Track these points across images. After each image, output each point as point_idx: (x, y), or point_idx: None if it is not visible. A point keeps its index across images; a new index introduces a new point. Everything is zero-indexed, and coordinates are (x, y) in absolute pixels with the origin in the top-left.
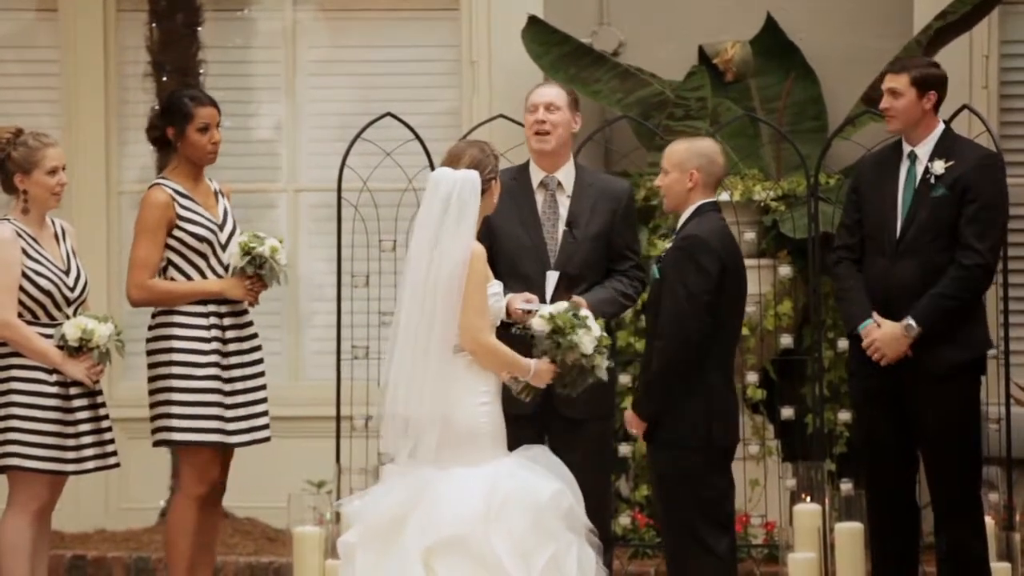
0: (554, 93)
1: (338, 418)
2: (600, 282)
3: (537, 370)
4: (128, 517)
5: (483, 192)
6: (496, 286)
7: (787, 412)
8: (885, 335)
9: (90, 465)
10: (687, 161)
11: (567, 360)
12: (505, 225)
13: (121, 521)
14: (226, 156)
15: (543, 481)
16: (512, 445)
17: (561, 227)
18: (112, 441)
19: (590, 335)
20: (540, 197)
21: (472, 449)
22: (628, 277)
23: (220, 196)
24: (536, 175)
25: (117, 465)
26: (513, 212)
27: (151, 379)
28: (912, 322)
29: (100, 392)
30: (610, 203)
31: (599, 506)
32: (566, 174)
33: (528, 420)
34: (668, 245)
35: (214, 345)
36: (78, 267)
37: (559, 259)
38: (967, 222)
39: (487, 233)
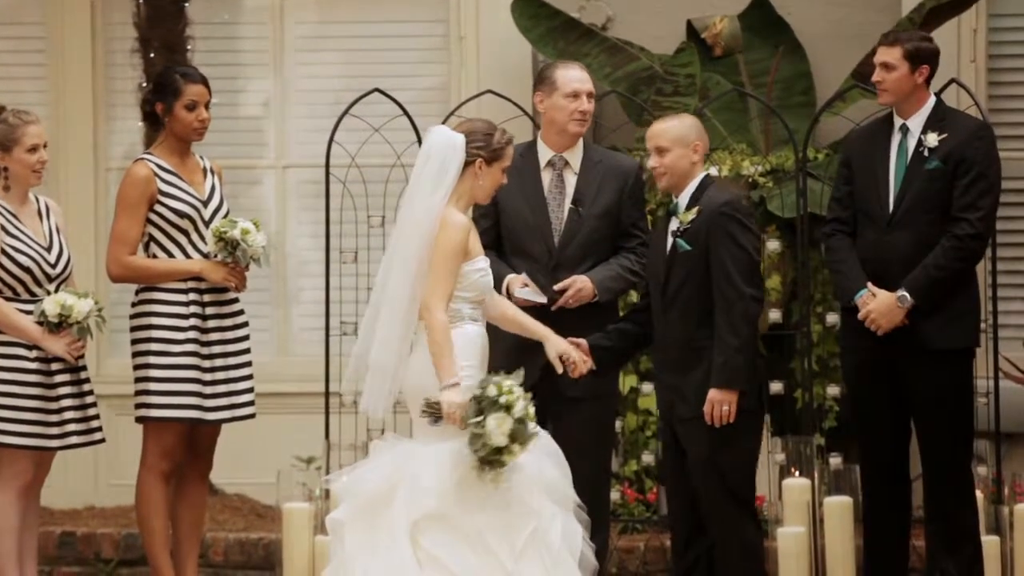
0: (590, 80)
1: (327, 394)
2: (606, 259)
3: (451, 401)
4: (117, 493)
5: (467, 164)
6: (481, 261)
7: (776, 387)
8: (880, 305)
9: (73, 440)
10: (687, 135)
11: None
12: (511, 203)
13: (110, 497)
14: (214, 132)
15: (525, 455)
16: None
17: (567, 205)
18: (97, 417)
19: (503, 425)
20: (547, 176)
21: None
22: (635, 254)
23: (210, 173)
24: (544, 154)
25: (102, 440)
26: (519, 190)
27: (132, 355)
28: (905, 293)
29: (83, 368)
30: (617, 181)
31: (598, 484)
32: (575, 153)
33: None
34: (689, 218)
35: (192, 322)
36: (61, 244)
37: (563, 237)
38: (960, 193)
39: (494, 211)
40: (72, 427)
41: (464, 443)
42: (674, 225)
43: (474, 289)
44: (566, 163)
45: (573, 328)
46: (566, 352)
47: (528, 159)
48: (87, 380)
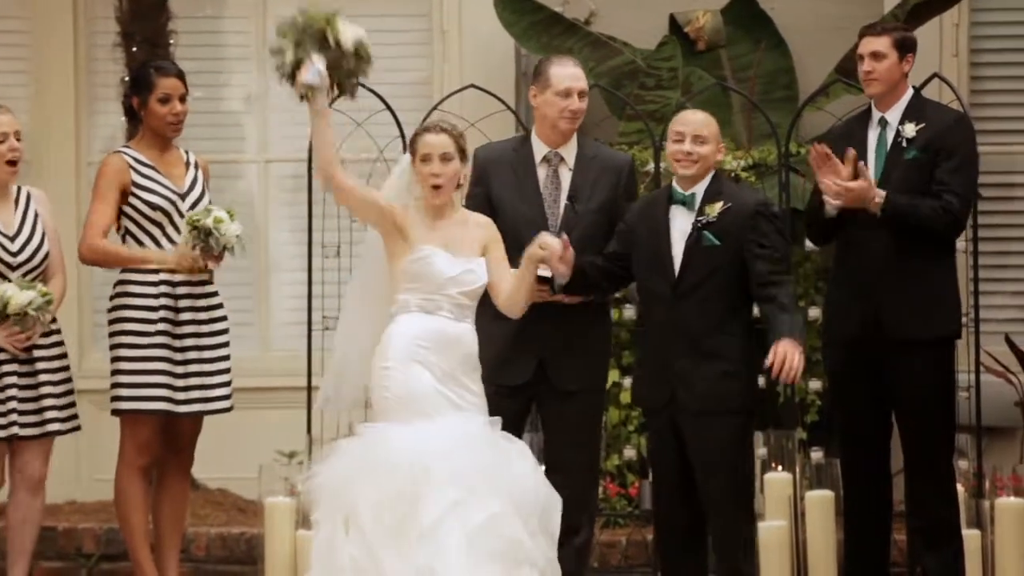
0: (583, 78)
1: (309, 388)
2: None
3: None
4: (99, 488)
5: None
6: (425, 251)
7: (758, 381)
8: (857, 183)
9: (16, 430)
10: (718, 134)
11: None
12: (506, 198)
13: (92, 492)
14: (196, 127)
15: (431, 444)
16: (503, 415)
17: (563, 200)
18: (53, 408)
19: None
20: (543, 171)
21: (381, 415)
22: None
23: (192, 167)
24: (539, 149)
25: (59, 432)
26: (515, 185)
27: (109, 348)
28: (884, 194)
29: (46, 359)
30: (612, 176)
31: (586, 480)
32: (569, 149)
33: (519, 391)
34: (716, 211)
35: (162, 314)
36: (33, 233)
37: (559, 233)
38: (945, 174)
39: (487, 206)
40: (15, 417)
41: None
42: (687, 217)
43: (419, 279)
44: (561, 159)
45: (568, 319)
46: (542, 240)
47: (523, 154)
48: (51, 371)
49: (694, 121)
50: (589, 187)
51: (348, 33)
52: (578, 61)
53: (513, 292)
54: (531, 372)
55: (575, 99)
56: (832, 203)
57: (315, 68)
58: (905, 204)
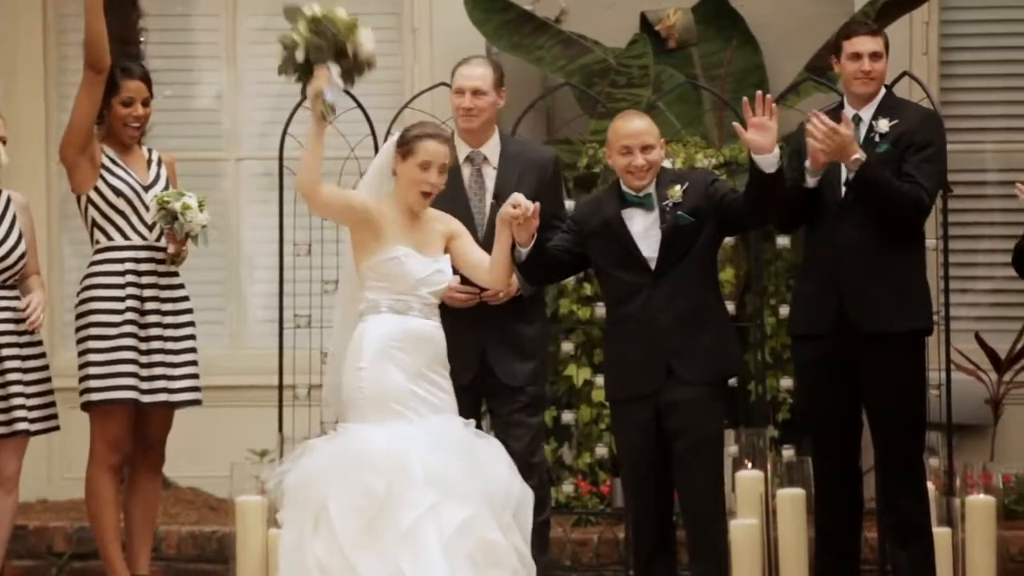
0: (480, 76)
1: (280, 387)
2: None
3: None
4: (70, 487)
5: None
6: (398, 251)
7: (730, 379)
8: (846, 129)
9: None
10: (658, 132)
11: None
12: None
13: (63, 491)
14: (168, 125)
15: (406, 444)
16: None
17: (488, 200)
18: (22, 408)
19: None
20: (467, 171)
21: (354, 415)
22: None
23: (156, 164)
24: (462, 150)
25: (28, 433)
26: None
27: (76, 343)
28: (864, 155)
29: (19, 358)
30: (536, 172)
31: (531, 468)
32: (491, 147)
33: (466, 390)
34: (679, 192)
35: (129, 303)
36: (7, 234)
37: (487, 232)
38: (914, 165)
39: None
40: None
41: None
42: (645, 213)
43: (389, 279)
44: (484, 158)
45: (500, 317)
46: (514, 199)
47: None
48: (23, 370)
49: (638, 132)
50: (514, 185)
51: (367, 46)
52: (490, 62)
53: (495, 262)
54: (476, 368)
55: (467, 97)
56: (811, 177)
57: (337, 87)
58: (881, 173)
